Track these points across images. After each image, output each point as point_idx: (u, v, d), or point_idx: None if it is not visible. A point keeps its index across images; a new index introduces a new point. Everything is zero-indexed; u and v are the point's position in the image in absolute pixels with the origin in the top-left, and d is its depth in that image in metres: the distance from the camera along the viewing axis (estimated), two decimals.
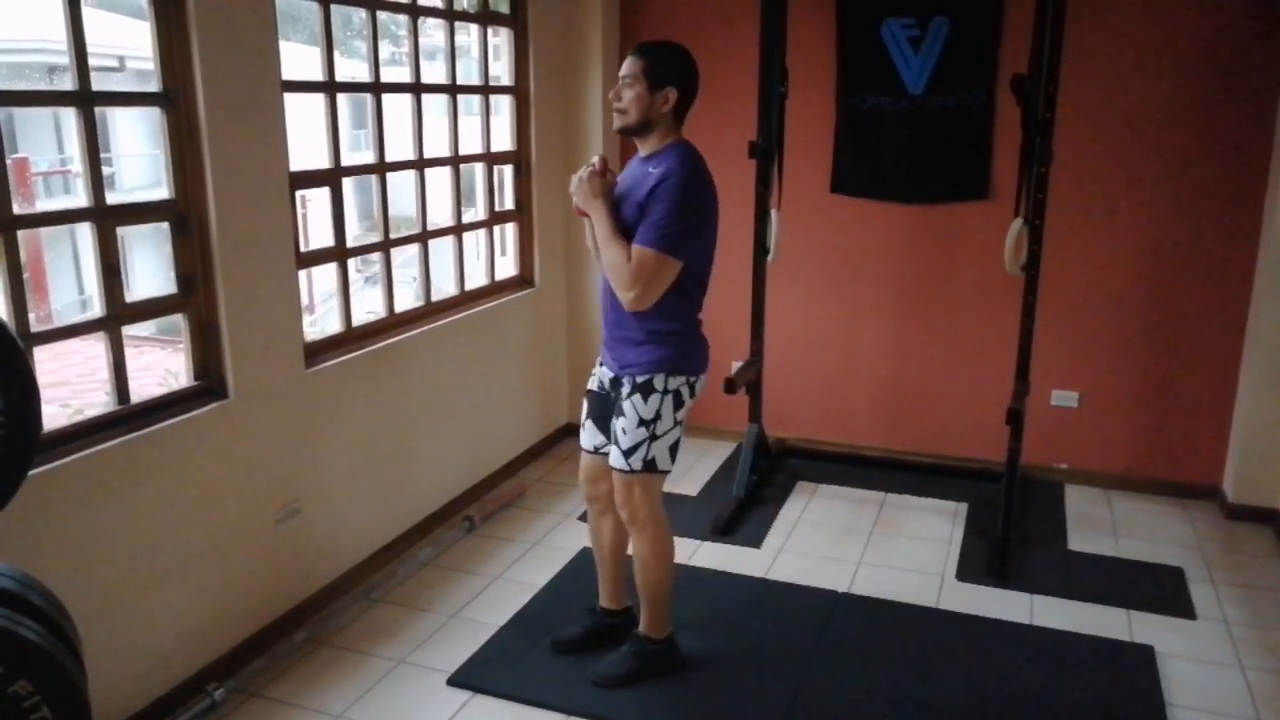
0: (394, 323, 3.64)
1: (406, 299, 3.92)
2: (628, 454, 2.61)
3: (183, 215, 2.68)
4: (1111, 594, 3.39)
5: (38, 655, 1.55)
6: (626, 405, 2.60)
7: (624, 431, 2.60)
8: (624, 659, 2.86)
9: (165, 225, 2.69)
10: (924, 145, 4.27)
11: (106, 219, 2.50)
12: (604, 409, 2.75)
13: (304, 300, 3.19)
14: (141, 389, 2.69)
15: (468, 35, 4.37)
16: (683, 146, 2.52)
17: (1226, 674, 2.94)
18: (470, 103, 4.15)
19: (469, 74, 4.36)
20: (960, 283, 4.37)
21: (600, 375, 2.77)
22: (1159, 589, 3.44)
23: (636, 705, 2.75)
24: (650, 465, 2.62)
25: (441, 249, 4.02)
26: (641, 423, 2.58)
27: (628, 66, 2.52)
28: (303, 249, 3.14)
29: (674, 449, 2.66)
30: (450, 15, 3.91)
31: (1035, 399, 4.17)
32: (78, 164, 2.56)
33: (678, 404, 2.61)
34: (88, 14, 2.42)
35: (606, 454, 2.73)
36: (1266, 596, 3.41)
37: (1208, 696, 2.82)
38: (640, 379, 2.58)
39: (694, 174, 2.46)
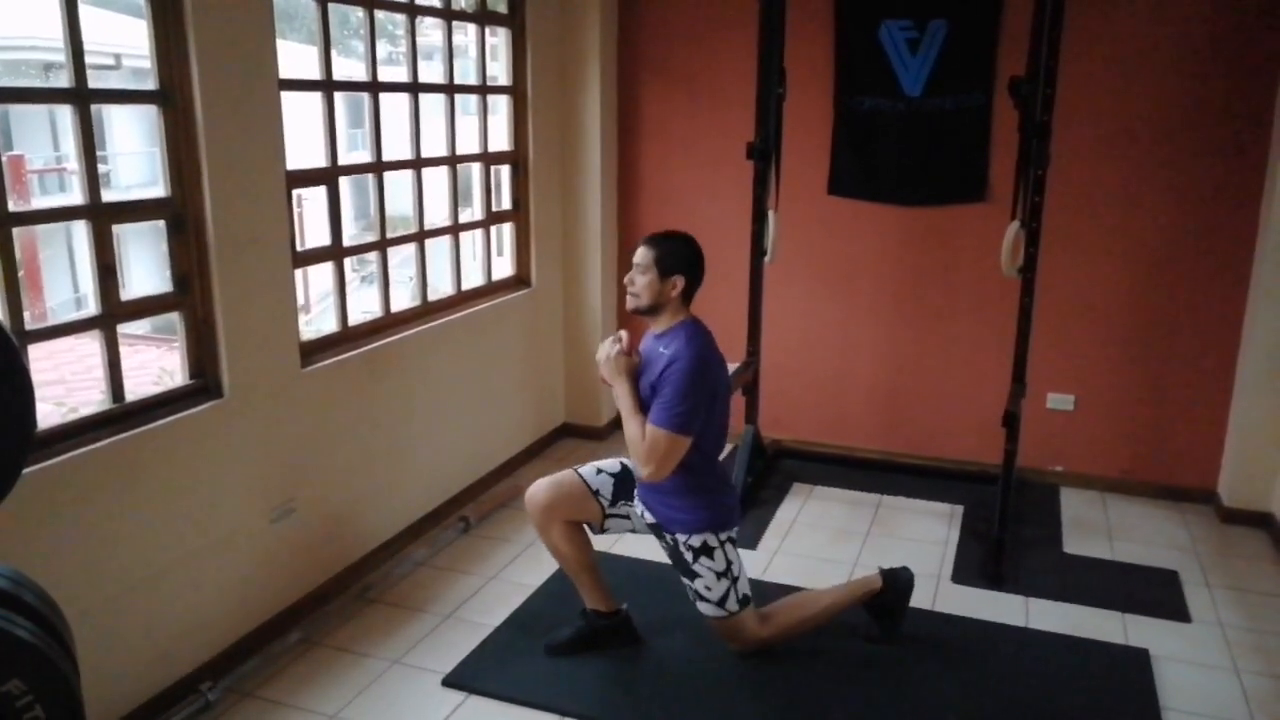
0: (390, 322, 3.64)
1: (403, 299, 3.91)
2: (722, 603, 2.83)
3: (179, 213, 2.67)
4: (1107, 597, 3.39)
5: (32, 654, 1.54)
6: (699, 568, 2.81)
7: (708, 589, 2.82)
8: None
9: (161, 223, 2.68)
10: (921, 147, 4.28)
11: (102, 217, 2.49)
12: (629, 487, 2.93)
13: (299, 299, 3.18)
14: (136, 387, 2.68)
15: (465, 35, 4.37)
16: (690, 327, 2.74)
17: (1221, 677, 2.94)
18: (468, 102, 4.15)
19: (466, 73, 4.35)
20: (957, 285, 4.38)
21: (636, 506, 2.93)
22: (1154, 592, 3.44)
23: (631, 707, 2.75)
24: (744, 601, 2.86)
25: (438, 249, 4.01)
26: (720, 575, 2.81)
27: (640, 256, 2.74)
28: (299, 248, 3.13)
29: (748, 579, 2.91)
30: (448, 15, 3.91)
31: (1031, 401, 4.17)
32: (73, 161, 2.56)
33: (734, 544, 2.86)
34: (84, 11, 2.41)
35: (598, 501, 2.92)
36: (1261, 600, 3.41)
37: (1203, 700, 2.83)
38: (696, 544, 2.80)
39: (700, 355, 2.67)
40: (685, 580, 2.86)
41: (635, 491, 2.92)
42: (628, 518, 2.94)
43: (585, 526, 2.96)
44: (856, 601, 3.03)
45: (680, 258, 2.72)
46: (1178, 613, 3.30)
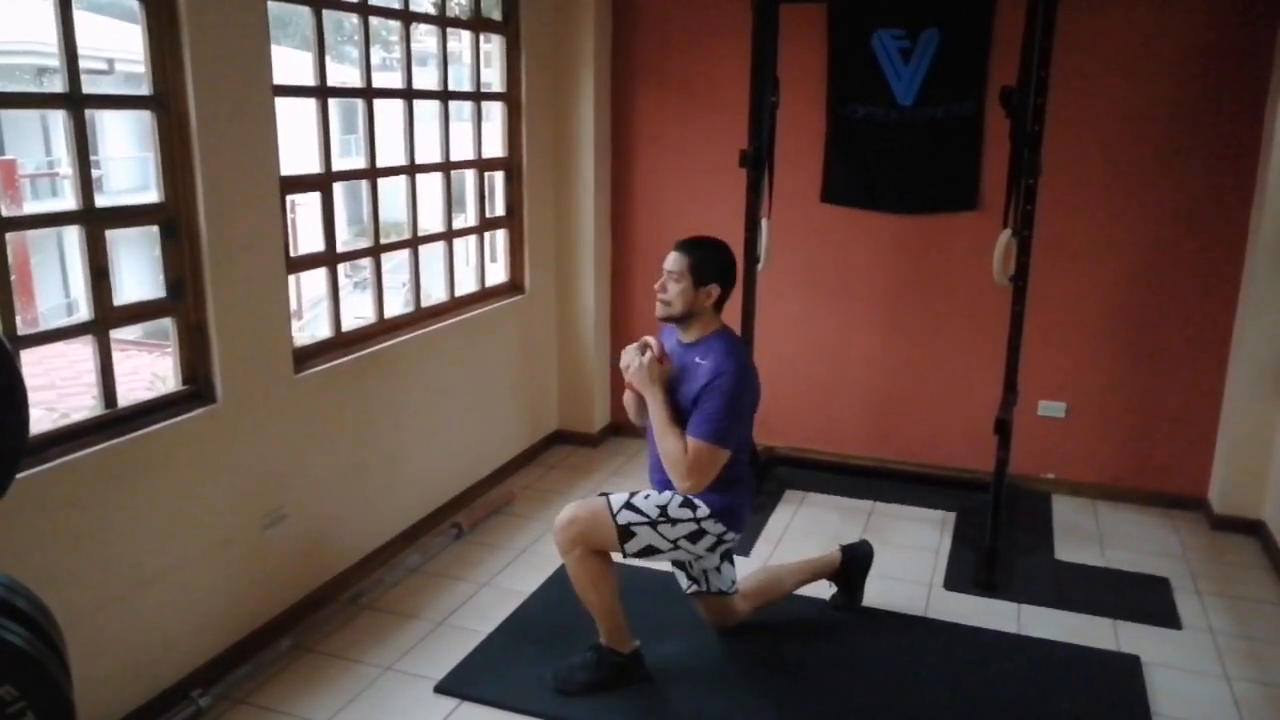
0: (384, 328, 3.63)
1: (396, 304, 3.91)
2: (626, 506, 2.69)
3: (172, 219, 2.67)
4: (1098, 604, 3.40)
5: (23, 660, 1.53)
6: (664, 494, 2.73)
7: (646, 497, 2.72)
8: (585, 666, 2.84)
9: (153, 228, 2.67)
10: (913, 156, 4.29)
11: (96, 222, 2.49)
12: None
13: (292, 305, 3.18)
14: (129, 393, 2.67)
15: (460, 41, 4.38)
16: (728, 338, 2.71)
17: (1212, 684, 2.96)
18: (462, 108, 4.16)
19: (460, 80, 4.36)
20: (949, 293, 4.39)
21: None
22: (1145, 599, 3.45)
23: (622, 717, 2.75)
24: (625, 531, 2.68)
25: (432, 255, 4.01)
26: (663, 510, 2.69)
27: (674, 263, 2.67)
28: (293, 254, 3.13)
29: (647, 550, 2.72)
30: (442, 21, 3.92)
31: (1023, 409, 4.18)
32: (66, 166, 2.55)
33: (695, 539, 2.72)
34: (77, 16, 2.41)
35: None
36: (1251, 607, 3.43)
37: (1193, 706, 2.84)
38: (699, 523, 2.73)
39: (742, 369, 2.64)
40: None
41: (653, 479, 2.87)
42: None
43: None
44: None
45: (716, 266, 2.68)
46: (1168, 619, 3.31)
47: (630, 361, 2.71)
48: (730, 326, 2.78)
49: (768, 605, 3.15)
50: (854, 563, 3.24)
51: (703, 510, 2.71)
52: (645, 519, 2.69)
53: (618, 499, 2.72)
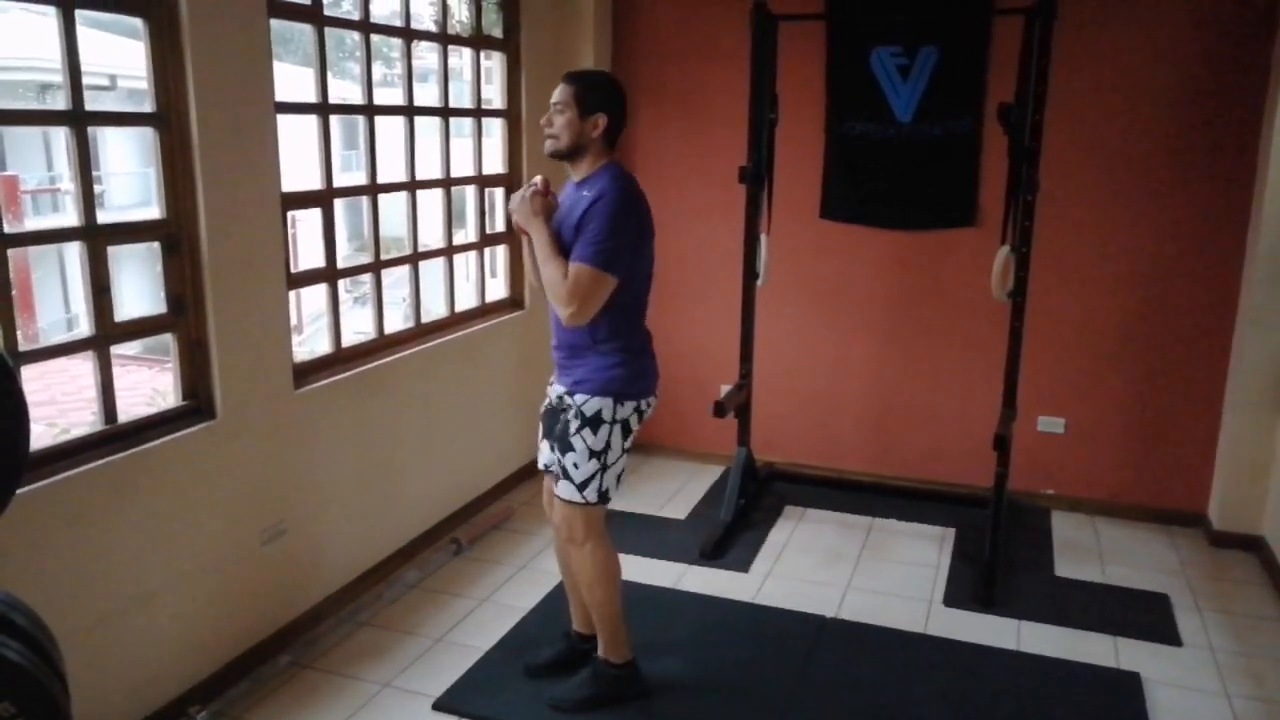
0: (383, 344, 3.64)
1: (396, 320, 3.91)
2: (582, 487, 2.64)
3: (174, 235, 2.68)
4: (1098, 620, 3.39)
5: (21, 676, 1.53)
6: (576, 440, 2.62)
7: (575, 466, 2.63)
8: (582, 683, 2.84)
9: (154, 244, 2.68)
10: (912, 172, 4.31)
11: (97, 238, 2.50)
12: (555, 425, 2.73)
13: (292, 320, 3.19)
14: (129, 408, 2.68)
15: (460, 58, 4.40)
16: (614, 168, 2.59)
17: (1212, 701, 2.95)
18: (462, 124, 4.18)
19: (461, 96, 4.38)
20: (947, 309, 4.40)
21: (551, 394, 2.79)
22: (1145, 616, 3.44)
23: None
24: (604, 496, 2.67)
25: (432, 270, 4.02)
26: (592, 455, 2.62)
27: (559, 94, 2.59)
28: (293, 269, 3.14)
29: (620, 477, 2.71)
30: (443, 39, 3.94)
31: (1022, 425, 4.19)
32: (67, 182, 2.56)
33: (625, 433, 2.66)
34: (80, 33, 2.42)
35: (555, 474, 2.74)
36: (1251, 624, 3.42)
37: None
38: (589, 412, 2.60)
39: (627, 193, 2.53)
40: (557, 456, 2.66)
41: (554, 361, 2.74)
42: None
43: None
44: (599, 627, 2.82)
45: (602, 94, 2.57)
46: (1168, 636, 3.31)
47: (515, 199, 2.63)
48: (622, 163, 2.65)
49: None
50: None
51: (590, 406, 2.59)
52: (597, 471, 2.61)
53: (570, 492, 2.64)
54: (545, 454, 2.79)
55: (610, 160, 2.61)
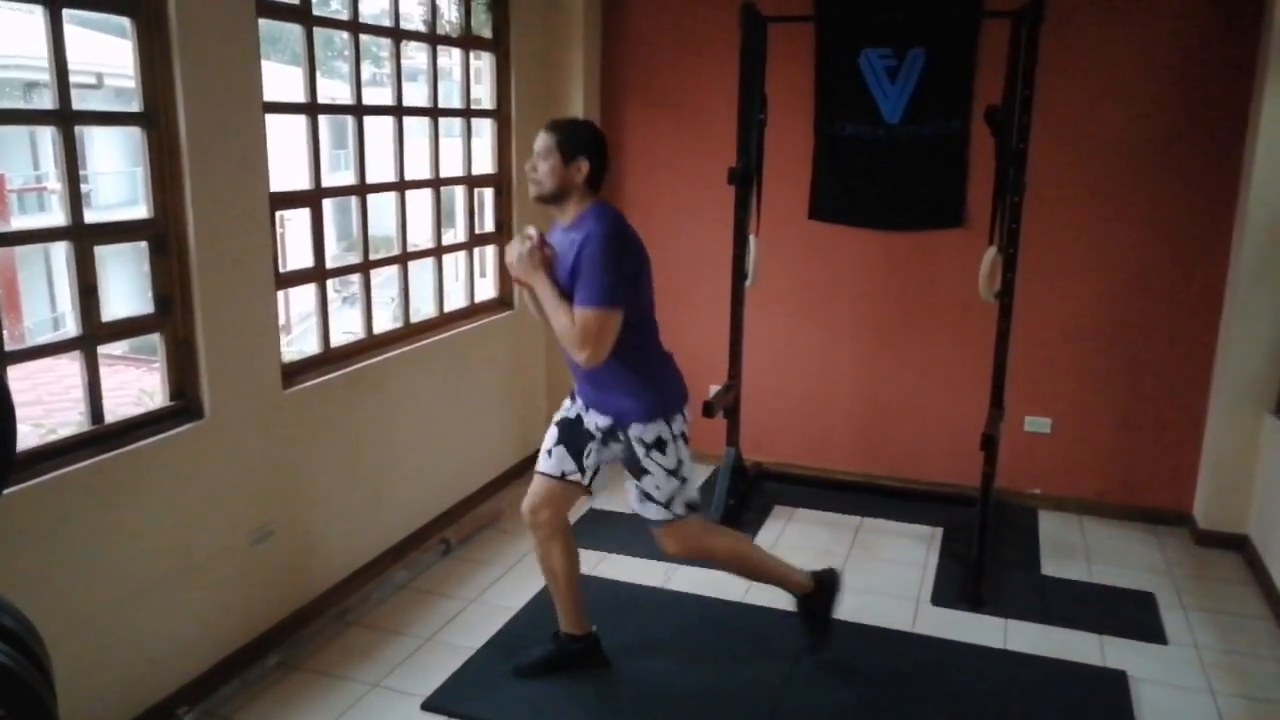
0: (372, 344, 3.64)
1: (385, 320, 3.91)
2: (669, 504, 2.74)
3: (161, 235, 2.67)
4: (1084, 619, 3.41)
5: (7, 677, 1.53)
6: (649, 464, 2.70)
7: (657, 488, 2.72)
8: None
9: (141, 244, 2.67)
10: (900, 173, 4.33)
11: (85, 238, 2.49)
12: (577, 439, 2.82)
13: (280, 320, 3.18)
14: (116, 408, 2.67)
15: (450, 58, 4.40)
16: (599, 208, 2.64)
17: (1197, 699, 2.97)
18: (452, 125, 4.17)
19: (450, 96, 4.37)
20: (935, 309, 4.42)
21: (575, 409, 2.84)
22: (1131, 614, 3.47)
23: None
24: (692, 506, 2.80)
25: (421, 270, 4.02)
26: (669, 473, 2.72)
27: (541, 142, 2.64)
28: (281, 269, 3.13)
29: (690, 484, 2.81)
30: (433, 39, 3.94)
31: (1009, 424, 4.21)
32: (54, 180, 2.55)
33: (686, 441, 2.77)
34: (67, 31, 2.41)
35: (574, 480, 2.83)
36: (1236, 622, 3.45)
37: None
38: (649, 438, 2.68)
39: (614, 228, 2.58)
40: (634, 482, 2.75)
41: (577, 394, 2.82)
42: (593, 452, 2.83)
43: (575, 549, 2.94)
44: (782, 581, 3.01)
45: (583, 141, 2.62)
46: (1154, 635, 3.33)
47: (512, 255, 2.67)
48: (609, 202, 2.70)
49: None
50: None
51: (649, 433, 2.68)
52: (679, 485, 2.74)
53: (661, 514, 2.75)
54: (557, 461, 2.86)
55: (596, 201, 2.66)
